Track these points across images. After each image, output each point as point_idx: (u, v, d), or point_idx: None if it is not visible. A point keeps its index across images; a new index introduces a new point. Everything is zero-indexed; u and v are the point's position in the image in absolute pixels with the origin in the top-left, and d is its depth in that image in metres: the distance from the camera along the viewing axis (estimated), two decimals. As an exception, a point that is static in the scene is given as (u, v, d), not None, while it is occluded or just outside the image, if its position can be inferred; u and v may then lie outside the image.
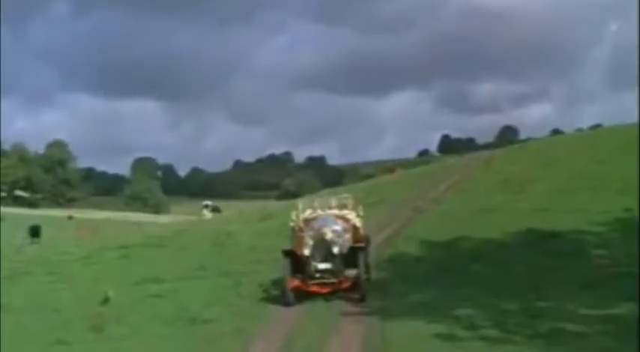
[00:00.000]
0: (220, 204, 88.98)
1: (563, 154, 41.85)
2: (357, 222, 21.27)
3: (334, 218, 20.78)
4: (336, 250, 19.20)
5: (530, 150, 49.65)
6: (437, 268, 22.20)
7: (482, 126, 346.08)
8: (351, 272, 19.08)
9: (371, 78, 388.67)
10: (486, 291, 18.52)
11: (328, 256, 19.22)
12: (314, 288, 19.16)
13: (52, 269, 29.42)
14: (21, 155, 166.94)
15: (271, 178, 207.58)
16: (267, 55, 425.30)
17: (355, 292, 18.92)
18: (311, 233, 19.87)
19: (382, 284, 19.99)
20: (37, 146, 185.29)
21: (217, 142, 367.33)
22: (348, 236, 20.08)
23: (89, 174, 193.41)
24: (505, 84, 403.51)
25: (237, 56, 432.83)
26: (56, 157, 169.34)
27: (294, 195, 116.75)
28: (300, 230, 20.63)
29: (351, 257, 19.14)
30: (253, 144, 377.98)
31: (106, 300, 20.72)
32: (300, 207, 22.52)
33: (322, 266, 19.20)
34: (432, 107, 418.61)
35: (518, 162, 43.88)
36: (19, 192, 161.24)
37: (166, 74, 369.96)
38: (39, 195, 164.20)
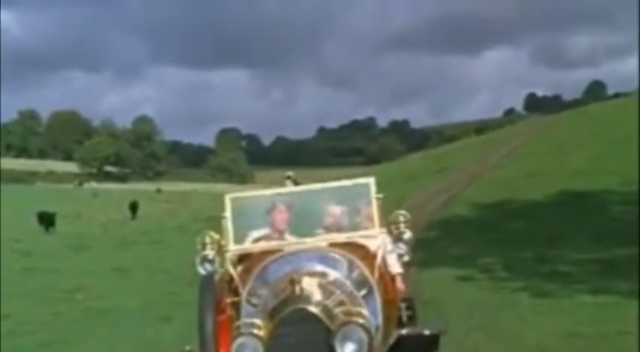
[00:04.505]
0: (304, 171, 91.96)
1: (617, 118, 44.42)
2: (392, 260, 7.77)
3: (332, 252, 6.93)
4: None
5: (588, 115, 52.84)
6: (480, 226, 26.24)
7: (574, 81, 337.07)
8: None
9: (461, 36, 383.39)
10: (512, 244, 22.41)
11: None
12: None
13: (154, 239, 34.08)
14: (110, 131, 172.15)
15: (355, 144, 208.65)
16: (356, 15, 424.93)
17: None
18: (259, 303, 6.50)
19: (429, 242, 23.02)
20: (124, 119, 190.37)
21: (302, 109, 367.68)
22: (379, 301, 6.63)
23: (175, 146, 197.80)
24: (602, 36, 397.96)
25: (327, 18, 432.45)
26: (143, 132, 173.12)
27: (377, 160, 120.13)
28: (229, 289, 7.07)
29: None
30: (337, 109, 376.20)
31: (205, 262, 24.86)
32: (229, 213, 7.44)
33: None
34: (524, 64, 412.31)
35: (574, 126, 47.11)
36: (108, 168, 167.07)
37: (255, 41, 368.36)
38: (128, 170, 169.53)
